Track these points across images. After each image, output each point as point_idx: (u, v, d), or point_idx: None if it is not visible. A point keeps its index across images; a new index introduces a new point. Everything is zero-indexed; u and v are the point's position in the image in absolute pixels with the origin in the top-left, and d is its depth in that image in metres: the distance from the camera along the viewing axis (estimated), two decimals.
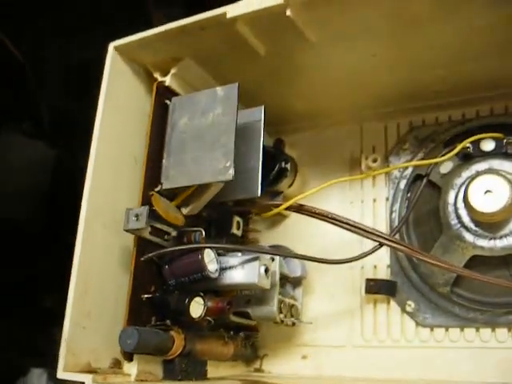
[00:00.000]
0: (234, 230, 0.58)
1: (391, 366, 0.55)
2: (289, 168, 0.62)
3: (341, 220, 0.52)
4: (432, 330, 0.55)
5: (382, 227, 0.59)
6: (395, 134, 0.62)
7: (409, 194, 0.59)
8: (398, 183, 0.60)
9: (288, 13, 0.46)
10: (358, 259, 0.51)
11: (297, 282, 0.59)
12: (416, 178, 0.58)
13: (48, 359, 1.18)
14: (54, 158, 1.00)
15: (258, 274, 0.51)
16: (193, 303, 0.48)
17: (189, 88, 0.56)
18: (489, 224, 0.51)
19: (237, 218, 0.59)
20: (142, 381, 0.46)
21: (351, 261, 0.50)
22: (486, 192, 0.50)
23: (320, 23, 0.48)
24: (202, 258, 0.49)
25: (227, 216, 0.58)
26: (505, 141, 0.53)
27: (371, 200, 0.61)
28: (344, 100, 0.61)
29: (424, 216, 0.57)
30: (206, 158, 0.49)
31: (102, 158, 0.50)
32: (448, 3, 0.44)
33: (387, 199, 0.60)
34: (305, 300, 0.60)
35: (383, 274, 0.58)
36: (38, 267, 1.00)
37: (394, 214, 0.59)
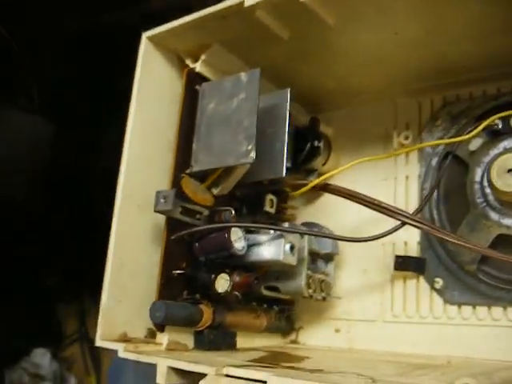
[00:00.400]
0: (267, 208, 0.60)
1: (419, 341, 0.56)
2: (321, 146, 0.63)
3: (364, 199, 0.53)
4: (459, 307, 0.55)
5: (414, 204, 0.59)
6: (429, 110, 0.61)
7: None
8: (430, 160, 0.59)
9: None
10: (379, 238, 0.51)
11: (329, 258, 0.61)
12: (447, 155, 0.58)
13: (51, 338, 1.24)
14: (52, 133, 0.99)
15: (283, 251, 0.53)
16: (218, 279, 0.52)
17: (220, 73, 0.58)
18: None
19: (270, 196, 0.61)
20: (171, 350, 0.50)
21: (371, 239, 0.51)
22: (509, 170, 0.49)
23: (336, 5, 0.49)
24: (229, 236, 0.52)
25: (260, 195, 0.60)
26: None
27: (404, 177, 0.61)
28: (374, 77, 0.61)
29: (454, 193, 0.57)
30: (230, 142, 0.52)
31: (136, 141, 0.54)
32: None
33: (419, 176, 0.60)
34: (338, 275, 0.62)
35: (414, 250, 0.59)
36: (38, 245, 1.02)
37: (424, 192, 0.59)
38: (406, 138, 0.60)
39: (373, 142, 0.64)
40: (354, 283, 0.62)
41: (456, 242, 0.50)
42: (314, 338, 0.63)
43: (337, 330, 0.62)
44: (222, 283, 0.52)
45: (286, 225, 0.58)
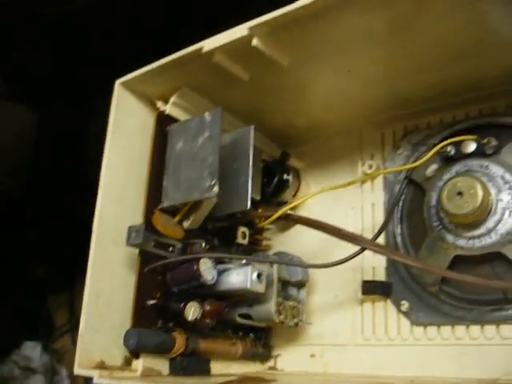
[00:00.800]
0: (240, 240, 0.64)
1: (389, 363, 0.58)
2: (290, 179, 0.66)
3: (325, 226, 0.56)
4: (425, 328, 0.57)
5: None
6: (391, 139, 0.65)
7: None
8: (393, 188, 0.62)
9: (254, 43, 0.51)
10: (338, 264, 0.54)
11: (300, 285, 0.63)
12: (409, 181, 0.61)
13: (41, 330, 1.20)
14: (37, 121, 0.98)
15: (250, 280, 0.56)
16: (188, 307, 0.54)
17: (189, 113, 0.62)
18: (465, 224, 0.52)
19: (242, 229, 0.64)
20: (146, 376, 0.53)
21: (331, 265, 0.54)
22: (458, 193, 0.52)
23: (287, 48, 0.52)
24: (198, 267, 0.55)
25: (233, 227, 0.64)
26: (485, 141, 0.54)
27: (370, 204, 0.64)
28: (338, 112, 0.65)
29: (415, 217, 0.59)
30: (195, 178, 0.55)
31: (110, 180, 0.57)
32: (404, 17, 0.47)
33: (385, 203, 0.63)
34: (310, 300, 0.65)
35: (381, 274, 0.61)
36: (26, 235, 1.00)
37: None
38: (370, 167, 0.63)
39: (341, 173, 0.67)
40: (326, 308, 0.64)
41: (413, 264, 0.53)
42: (291, 363, 0.65)
43: (312, 355, 0.64)
44: (193, 311, 0.54)
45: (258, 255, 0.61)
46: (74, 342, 1.23)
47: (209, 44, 0.52)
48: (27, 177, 1.00)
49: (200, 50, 0.53)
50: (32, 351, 1.20)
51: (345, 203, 0.66)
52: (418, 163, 0.55)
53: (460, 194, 0.51)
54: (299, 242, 0.68)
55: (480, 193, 0.50)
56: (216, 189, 0.53)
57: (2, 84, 1.00)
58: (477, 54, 0.53)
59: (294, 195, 0.68)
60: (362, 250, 0.54)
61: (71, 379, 1.22)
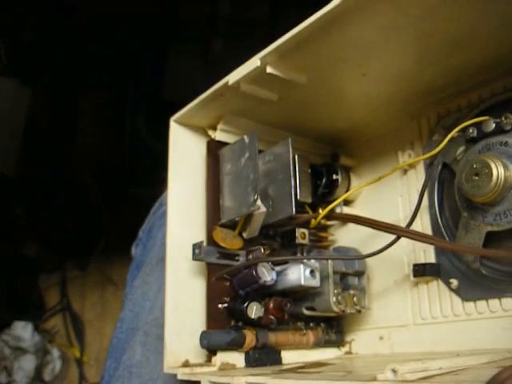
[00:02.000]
0: (300, 240, 0.70)
1: (446, 340, 0.61)
2: (339, 178, 0.72)
3: (363, 220, 0.61)
4: (475, 303, 0.60)
5: (427, 214, 0.66)
6: (427, 127, 0.67)
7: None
8: (431, 172, 0.65)
9: (268, 70, 0.58)
10: (380, 252, 0.59)
11: (359, 274, 0.69)
12: (443, 166, 0.63)
13: (32, 309, 1.19)
14: (29, 96, 0.95)
15: (304, 277, 0.63)
16: (250, 307, 0.62)
17: (237, 135, 0.70)
18: (489, 202, 0.55)
19: (301, 230, 0.70)
20: (223, 369, 0.62)
21: (372, 255, 0.59)
22: (475, 175, 0.54)
23: (301, 67, 0.58)
24: (256, 271, 0.63)
25: (292, 230, 0.70)
26: (502, 118, 0.56)
27: (415, 191, 0.67)
28: (371, 110, 0.69)
29: (452, 199, 0.62)
30: (243, 194, 0.63)
31: (175, 207, 0.67)
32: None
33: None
34: (372, 286, 0.70)
35: (432, 256, 0.64)
36: (16, 216, 0.96)
37: (430, 202, 0.65)
38: (409, 155, 0.67)
39: (386, 166, 0.71)
40: (387, 292, 0.69)
41: (445, 246, 0.56)
42: (364, 347, 0.70)
43: (381, 338, 0.69)
44: (255, 310, 0.62)
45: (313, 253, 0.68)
46: (66, 322, 1.31)
47: (232, 77, 0.60)
48: (19, 155, 0.97)
49: (227, 83, 0.61)
50: (22, 331, 1.19)
51: (394, 192, 0.70)
52: (434, 151, 0.58)
53: (477, 174, 0.54)
54: (357, 233, 0.73)
55: (495, 171, 0.53)
56: (258, 202, 0.60)
57: None
58: (481, 39, 0.55)
59: (346, 192, 0.73)
60: (398, 238, 0.58)
61: (63, 360, 1.22)
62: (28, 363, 1.27)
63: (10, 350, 1.25)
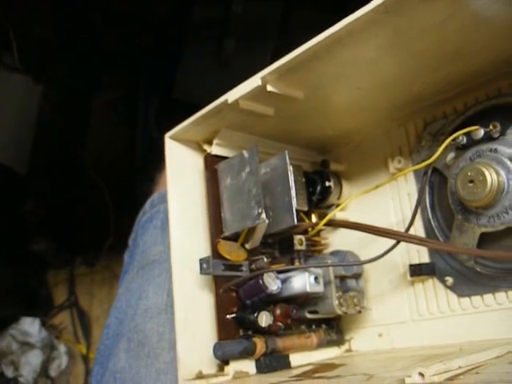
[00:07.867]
0: (298, 247, 0.73)
1: (444, 334, 0.66)
2: (332, 184, 0.75)
3: (361, 226, 0.64)
4: (470, 298, 0.64)
5: (419, 217, 0.69)
6: (414, 133, 0.71)
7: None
8: (421, 178, 0.69)
9: (269, 88, 0.60)
10: (381, 257, 0.62)
11: (357, 276, 0.72)
12: (433, 170, 0.67)
13: (40, 305, 1.21)
14: (40, 93, 0.96)
15: (309, 284, 0.66)
16: (260, 316, 0.64)
17: (233, 149, 0.71)
18: (483, 206, 0.59)
19: (298, 237, 0.73)
20: (236, 378, 0.64)
21: (374, 260, 0.62)
22: (470, 181, 0.58)
23: (299, 85, 0.60)
24: (263, 281, 0.65)
25: (290, 237, 0.73)
26: (490, 127, 0.60)
27: (406, 195, 0.71)
28: (361, 119, 0.72)
29: (444, 203, 0.66)
30: (246, 208, 0.65)
31: (177, 222, 0.68)
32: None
33: (417, 192, 0.70)
34: (369, 287, 0.73)
35: (426, 255, 0.68)
36: (26, 212, 0.98)
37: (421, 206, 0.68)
38: (399, 161, 0.70)
39: (377, 171, 0.74)
40: (384, 292, 0.72)
41: (442, 248, 0.60)
42: (363, 344, 0.74)
43: (380, 335, 0.72)
44: (265, 319, 0.65)
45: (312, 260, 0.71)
46: (73, 319, 1.33)
47: (231, 96, 0.62)
48: (30, 152, 0.98)
49: (226, 101, 0.62)
50: (30, 326, 1.21)
51: (384, 195, 0.73)
52: (429, 161, 0.62)
53: (471, 181, 0.58)
54: (352, 236, 0.76)
55: (488, 178, 0.56)
56: (263, 215, 0.62)
57: (7, 56, 0.97)
58: (471, 52, 0.59)
59: (339, 198, 0.76)
60: (397, 243, 0.62)
61: (69, 356, 1.24)
62: (35, 358, 1.28)
63: (18, 345, 1.25)
